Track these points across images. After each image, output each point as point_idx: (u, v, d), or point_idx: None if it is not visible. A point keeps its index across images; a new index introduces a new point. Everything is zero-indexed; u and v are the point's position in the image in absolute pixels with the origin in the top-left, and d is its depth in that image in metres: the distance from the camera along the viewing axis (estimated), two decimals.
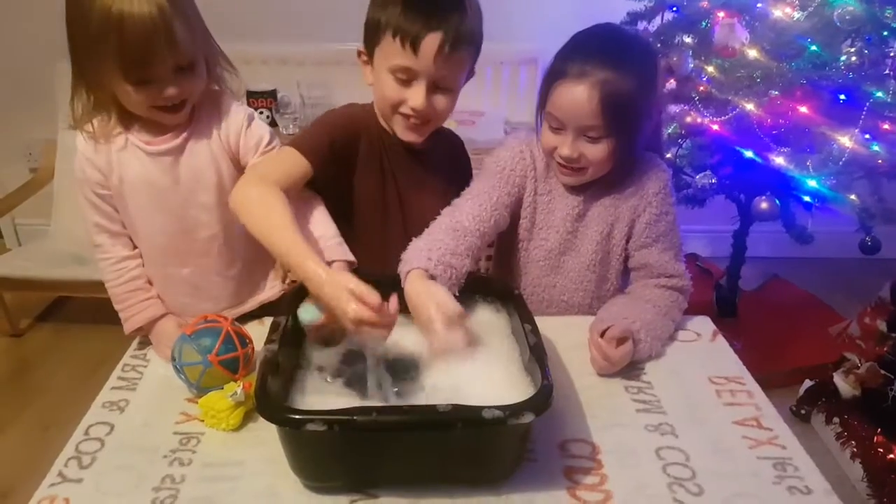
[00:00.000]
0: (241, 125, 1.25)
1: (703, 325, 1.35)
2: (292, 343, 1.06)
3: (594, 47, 1.21)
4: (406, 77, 1.20)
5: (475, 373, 1.01)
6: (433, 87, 1.21)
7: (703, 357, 1.25)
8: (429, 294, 1.06)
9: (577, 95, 1.18)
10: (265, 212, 1.12)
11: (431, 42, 1.16)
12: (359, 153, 1.30)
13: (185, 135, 1.22)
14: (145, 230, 1.26)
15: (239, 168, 1.27)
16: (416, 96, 1.21)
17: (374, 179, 1.32)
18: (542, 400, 0.87)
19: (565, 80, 1.19)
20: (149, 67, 1.10)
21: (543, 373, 0.91)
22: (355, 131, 1.29)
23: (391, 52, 1.19)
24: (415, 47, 1.16)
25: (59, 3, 2.82)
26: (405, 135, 1.27)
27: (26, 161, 3.02)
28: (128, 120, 1.21)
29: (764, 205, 1.96)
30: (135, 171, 1.21)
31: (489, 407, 0.84)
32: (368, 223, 1.33)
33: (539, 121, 1.29)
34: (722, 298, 2.46)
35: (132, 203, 1.24)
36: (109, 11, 1.04)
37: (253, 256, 1.33)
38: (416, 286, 1.09)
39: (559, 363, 1.19)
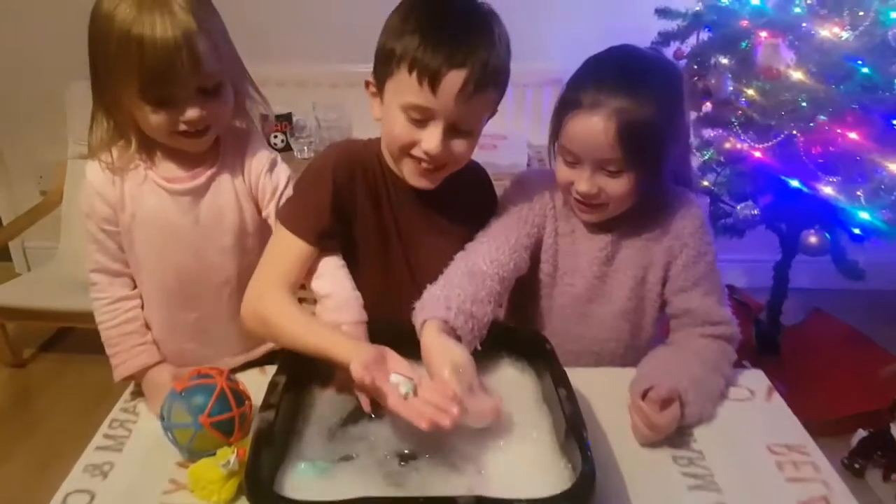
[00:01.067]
0: (263, 167, 1.18)
1: (755, 379, 1.20)
2: (292, 408, 0.94)
3: (608, 73, 1.10)
4: (420, 117, 1.05)
5: (501, 450, 0.87)
6: (451, 130, 1.06)
7: (759, 420, 1.11)
8: (443, 354, 0.93)
9: (592, 127, 1.07)
10: (288, 331, 1.03)
11: (453, 80, 1.00)
12: (356, 198, 1.16)
13: (209, 173, 1.15)
14: (154, 272, 1.17)
15: (259, 210, 1.21)
16: (430, 139, 1.05)
17: (372, 224, 1.18)
18: (583, 491, 0.74)
19: (579, 111, 1.08)
20: (168, 87, 1.03)
21: (584, 454, 0.78)
22: (350, 177, 1.15)
23: (405, 87, 1.03)
24: (433, 85, 1.00)
25: (72, 24, 2.76)
26: (415, 180, 1.12)
27: (37, 183, 2.96)
28: (150, 149, 1.14)
29: (813, 239, 1.82)
30: (150, 209, 1.13)
31: (520, 500, 0.71)
32: (368, 271, 1.19)
33: (553, 154, 1.18)
34: (762, 335, 2.30)
35: (142, 242, 1.15)
36: (130, 30, 0.99)
37: None
38: (430, 342, 0.96)
39: (595, 426, 1.05)
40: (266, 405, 0.88)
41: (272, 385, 0.92)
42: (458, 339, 0.98)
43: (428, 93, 1.01)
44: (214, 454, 0.94)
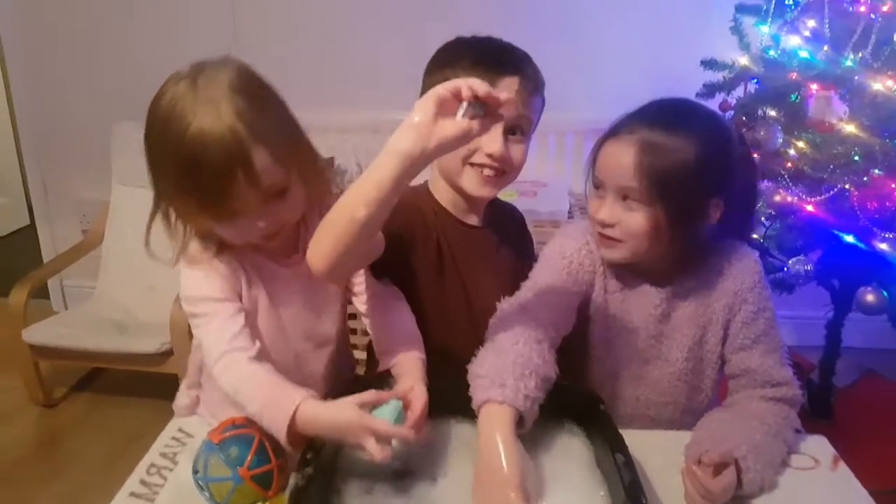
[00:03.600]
0: None
1: (819, 447, 1.13)
2: (330, 462, 0.89)
3: (650, 110, 1.09)
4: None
5: None
6: (507, 134, 1.13)
7: (825, 492, 1.03)
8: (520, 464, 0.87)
9: (616, 151, 1.06)
10: (338, 209, 0.90)
11: (509, 84, 1.10)
12: (416, 238, 1.18)
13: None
14: (268, 350, 1.10)
15: None
16: (493, 141, 1.11)
17: (432, 257, 1.20)
18: None
19: (612, 138, 1.08)
20: (227, 203, 0.95)
21: None
22: (409, 218, 1.16)
23: None
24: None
25: (119, 66, 2.83)
26: (478, 189, 1.16)
27: (79, 222, 2.99)
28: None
29: (870, 297, 1.74)
30: (267, 293, 1.09)
31: None
32: (427, 300, 1.20)
33: (588, 188, 1.16)
34: (814, 396, 2.20)
35: (260, 325, 1.10)
36: (182, 153, 0.91)
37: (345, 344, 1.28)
38: (506, 441, 0.88)
39: (648, 494, 0.98)
40: (304, 461, 0.84)
41: (311, 439, 0.88)
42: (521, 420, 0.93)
43: None
44: None
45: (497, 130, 1.11)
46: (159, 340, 2.17)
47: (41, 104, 2.92)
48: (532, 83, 1.13)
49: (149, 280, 2.49)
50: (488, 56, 1.12)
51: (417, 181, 1.23)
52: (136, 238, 2.72)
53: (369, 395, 0.91)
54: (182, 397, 1.25)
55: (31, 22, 2.81)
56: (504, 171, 1.16)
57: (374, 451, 0.85)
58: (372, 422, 0.87)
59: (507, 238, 1.30)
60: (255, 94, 0.96)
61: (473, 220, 1.25)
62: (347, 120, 2.73)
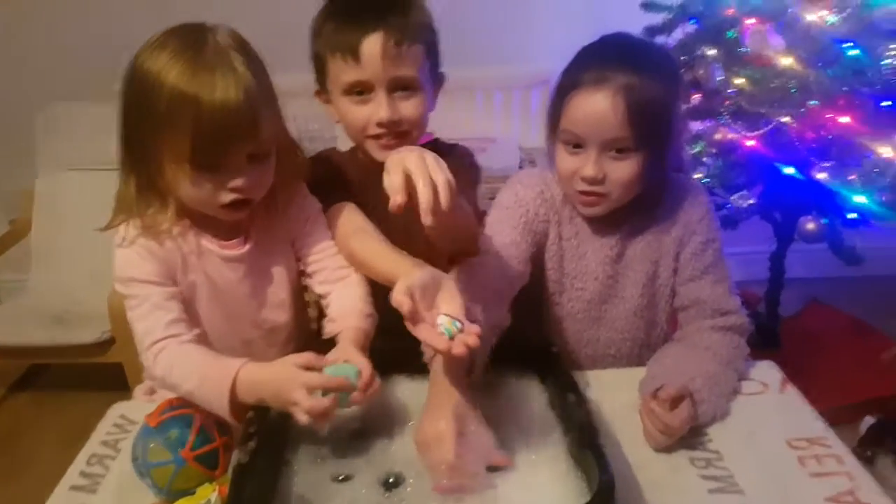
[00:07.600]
0: (300, 213, 1.13)
1: (768, 372, 1.15)
2: (277, 434, 0.86)
3: (609, 53, 1.06)
4: (361, 91, 1.09)
5: (513, 464, 0.80)
6: (393, 93, 1.09)
7: (775, 414, 1.05)
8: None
9: (599, 104, 1.01)
10: (371, 255, 1.03)
11: (372, 44, 1.06)
12: (345, 184, 1.18)
13: (255, 235, 1.08)
14: (213, 337, 1.08)
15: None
16: (377, 108, 1.09)
17: (360, 202, 1.16)
18: (603, 502, 0.67)
19: (581, 90, 1.03)
20: (222, 154, 0.94)
21: (601, 464, 0.71)
22: (340, 168, 1.20)
23: (337, 72, 1.09)
24: (355, 55, 1.06)
25: (42, 47, 2.66)
26: (384, 156, 1.08)
27: (5, 213, 2.84)
28: (190, 215, 1.03)
29: (810, 225, 1.78)
30: (212, 278, 1.05)
31: None
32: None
33: (552, 148, 1.12)
34: (761, 328, 2.24)
35: (206, 312, 1.07)
36: (185, 90, 0.90)
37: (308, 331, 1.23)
38: (434, 379, 0.88)
39: (608, 433, 0.98)
40: (246, 435, 0.80)
41: (256, 414, 0.84)
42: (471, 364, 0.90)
43: (353, 65, 1.07)
44: (194, 493, 0.87)
45: (379, 96, 1.08)
46: (99, 329, 2.08)
47: None
48: (400, 34, 1.06)
49: (87, 266, 2.36)
50: (348, 14, 1.08)
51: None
52: (69, 224, 2.61)
53: (307, 356, 0.88)
54: (140, 389, 1.22)
55: None
56: (405, 131, 1.11)
57: (303, 402, 0.81)
58: (305, 375, 0.84)
59: None
60: (253, 56, 0.97)
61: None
62: (285, 83, 2.65)
